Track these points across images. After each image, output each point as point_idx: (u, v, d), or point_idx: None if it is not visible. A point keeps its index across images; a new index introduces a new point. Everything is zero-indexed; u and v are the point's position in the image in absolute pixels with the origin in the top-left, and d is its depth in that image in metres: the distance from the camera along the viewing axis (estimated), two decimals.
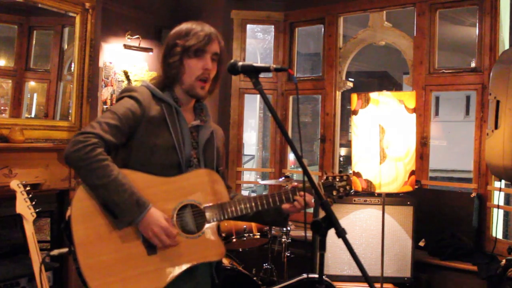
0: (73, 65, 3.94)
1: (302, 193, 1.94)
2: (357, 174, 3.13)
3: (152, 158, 1.82)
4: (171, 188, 1.83)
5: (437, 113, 16.29)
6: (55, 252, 2.18)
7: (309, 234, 1.73)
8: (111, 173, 1.71)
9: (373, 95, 3.06)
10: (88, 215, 1.72)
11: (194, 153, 1.93)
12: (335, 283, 3.14)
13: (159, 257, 1.76)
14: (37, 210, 2.76)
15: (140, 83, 2.01)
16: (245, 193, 11.63)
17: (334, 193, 2.07)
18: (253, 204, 1.91)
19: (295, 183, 2.00)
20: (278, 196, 1.94)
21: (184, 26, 1.94)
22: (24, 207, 2.72)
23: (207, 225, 1.85)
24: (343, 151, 11.80)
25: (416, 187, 3.61)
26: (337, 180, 2.08)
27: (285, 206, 1.97)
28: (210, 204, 1.87)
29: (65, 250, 1.80)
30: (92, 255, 1.69)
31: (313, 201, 1.99)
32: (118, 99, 1.90)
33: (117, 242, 1.72)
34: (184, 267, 1.79)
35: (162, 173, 1.82)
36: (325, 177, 2.09)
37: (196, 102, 2.01)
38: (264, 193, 1.96)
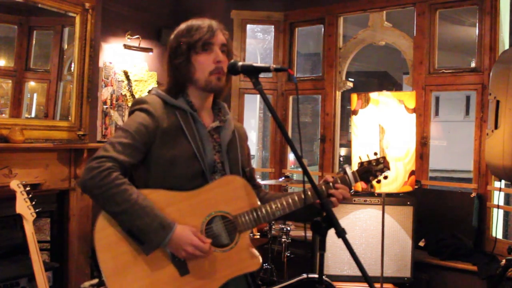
0: (73, 65, 3.94)
1: (338, 185, 1.82)
2: None
3: (174, 171, 1.72)
4: (196, 201, 1.73)
5: (437, 113, 16.29)
6: (86, 284, 2.13)
7: (309, 234, 1.72)
8: (130, 198, 1.61)
9: (373, 95, 3.06)
10: (113, 243, 1.64)
11: (217, 157, 1.82)
12: (335, 283, 3.14)
13: (192, 276, 1.68)
14: (37, 210, 2.76)
15: (151, 84, 1.88)
16: None
17: (371, 178, 1.92)
18: (285, 204, 1.79)
19: (329, 178, 1.84)
20: (311, 194, 1.80)
21: (183, 24, 1.82)
22: (24, 207, 2.72)
23: (239, 235, 1.75)
24: (343, 151, 11.79)
25: (416, 187, 3.60)
26: (374, 164, 1.93)
27: (318, 201, 1.81)
28: (240, 212, 1.76)
29: (95, 281, 1.74)
30: (123, 285, 1.62)
31: (350, 193, 1.86)
32: (129, 114, 1.79)
33: (147, 267, 1.65)
34: (220, 283, 1.71)
35: (187, 184, 1.72)
36: (359, 164, 1.93)
37: (213, 102, 1.89)
38: (294, 191, 1.83)
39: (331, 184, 1.83)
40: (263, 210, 1.79)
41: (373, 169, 1.92)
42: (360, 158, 1.96)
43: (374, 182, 1.93)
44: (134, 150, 1.69)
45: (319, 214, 1.80)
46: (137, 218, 1.60)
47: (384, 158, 1.95)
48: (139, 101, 1.78)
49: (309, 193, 1.81)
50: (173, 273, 1.67)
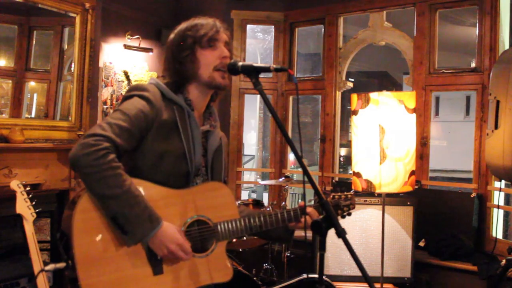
0: (73, 65, 3.94)
1: (310, 210, 1.88)
2: (357, 174, 3.13)
3: (161, 165, 1.69)
4: (182, 201, 1.71)
5: (437, 113, 16.31)
6: (51, 267, 2.07)
7: (309, 234, 1.72)
8: (124, 183, 1.55)
9: (373, 95, 3.06)
10: (93, 228, 1.57)
11: (202, 161, 1.82)
12: (335, 283, 3.14)
13: (166, 277, 1.66)
14: (37, 210, 2.76)
15: (148, 81, 1.85)
16: (245, 193, 11.63)
17: (339, 212, 2.01)
18: (263, 222, 1.82)
19: (302, 202, 1.91)
20: (287, 215, 1.86)
21: (187, 22, 1.81)
22: (24, 207, 2.71)
23: (216, 244, 1.75)
24: (343, 151, 11.81)
25: (416, 187, 3.60)
26: (342, 199, 2.02)
27: (292, 223, 1.90)
28: (221, 221, 1.76)
29: (62, 265, 1.65)
30: (94, 275, 1.55)
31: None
32: (127, 97, 1.71)
33: (121, 260, 1.59)
34: None
35: (169, 182, 1.70)
36: (331, 197, 2.02)
37: (206, 107, 1.88)
38: (270, 211, 1.89)
39: (303, 209, 1.88)
40: (242, 223, 1.79)
41: (341, 205, 2.01)
42: (329, 192, 2.08)
43: (339, 217, 2.02)
44: (130, 136, 1.63)
45: (291, 236, 1.93)
46: (126, 206, 1.55)
47: (352, 195, 2.05)
48: (139, 87, 1.73)
49: (285, 215, 1.86)
50: (146, 271, 1.64)
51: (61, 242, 1.61)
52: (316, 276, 1.64)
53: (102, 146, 1.55)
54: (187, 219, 1.72)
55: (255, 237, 3.54)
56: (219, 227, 1.76)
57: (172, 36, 1.82)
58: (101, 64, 4.29)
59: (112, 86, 4.42)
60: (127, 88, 4.50)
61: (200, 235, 1.74)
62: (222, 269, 1.78)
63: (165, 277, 1.66)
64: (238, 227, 1.79)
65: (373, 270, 3.29)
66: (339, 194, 2.03)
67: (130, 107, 1.66)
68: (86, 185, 1.58)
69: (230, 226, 1.77)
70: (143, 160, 1.70)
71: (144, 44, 4.59)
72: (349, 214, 2.05)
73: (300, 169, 3.43)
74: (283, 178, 3.97)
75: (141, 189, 1.63)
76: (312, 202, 1.98)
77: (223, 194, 1.81)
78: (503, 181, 3.29)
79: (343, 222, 1.73)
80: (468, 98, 16.02)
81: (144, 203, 1.59)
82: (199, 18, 1.82)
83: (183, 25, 1.81)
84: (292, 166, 9.42)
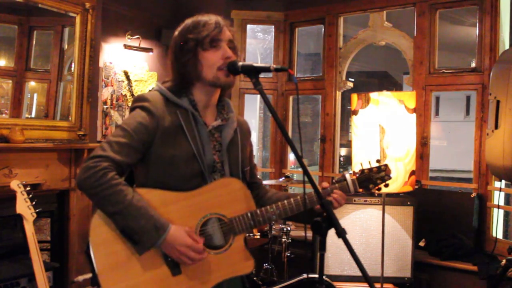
0: (73, 65, 3.94)
1: (336, 191, 1.84)
2: None
3: (172, 170, 1.71)
4: (192, 202, 1.73)
5: (437, 113, 16.30)
6: (80, 278, 2.13)
7: (309, 234, 1.72)
8: (125, 199, 1.61)
9: (373, 95, 3.06)
10: (107, 241, 1.65)
11: (217, 156, 1.81)
12: (335, 283, 3.14)
13: (185, 277, 1.69)
14: (37, 210, 2.76)
15: (151, 84, 1.86)
16: None
17: (371, 186, 1.91)
18: (281, 209, 1.80)
19: (325, 184, 1.87)
20: (309, 199, 1.82)
21: (189, 20, 1.79)
22: (24, 207, 2.72)
23: (234, 238, 1.76)
24: (343, 151, 11.80)
25: (416, 187, 3.60)
26: (374, 171, 1.92)
27: (318, 206, 1.84)
28: (236, 214, 1.76)
29: (89, 275, 1.74)
30: (115, 282, 1.63)
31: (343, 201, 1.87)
32: (131, 110, 1.77)
33: (139, 266, 1.66)
34: (212, 284, 1.72)
35: (185, 184, 1.72)
36: (360, 171, 1.92)
37: (218, 99, 1.86)
38: (293, 194, 1.84)
39: (328, 189, 1.84)
40: (259, 214, 1.79)
41: (374, 177, 1.92)
42: (362, 165, 1.94)
43: (374, 190, 1.93)
44: (131, 150, 1.67)
45: (318, 217, 1.81)
46: (130, 219, 1.61)
47: (386, 166, 1.94)
48: (140, 98, 1.75)
49: (307, 198, 1.81)
50: (165, 272, 1.67)
51: (87, 255, 1.68)
52: (316, 276, 1.64)
53: (101, 167, 1.61)
54: (201, 218, 1.73)
55: (256, 236, 3.54)
56: (234, 221, 1.76)
57: (175, 35, 1.80)
58: (101, 64, 4.29)
59: (112, 86, 4.42)
60: (127, 88, 4.50)
61: (216, 232, 1.75)
62: (242, 261, 1.78)
63: (184, 276, 1.69)
64: (254, 219, 1.78)
65: (373, 270, 3.30)
66: (370, 167, 1.93)
67: (130, 121, 1.70)
68: (95, 205, 1.66)
69: (245, 219, 1.77)
70: (155, 168, 1.72)
71: (144, 44, 4.59)
72: (386, 186, 1.93)
73: (300, 169, 3.43)
74: (283, 178, 3.97)
75: (149, 197, 1.67)
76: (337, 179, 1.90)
77: (234, 189, 1.79)
78: (503, 181, 3.29)
79: (343, 222, 1.73)
80: (468, 98, 16.01)
81: (148, 213, 1.62)
82: (202, 16, 1.80)
83: (187, 23, 1.79)
84: (292, 166, 9.41)
